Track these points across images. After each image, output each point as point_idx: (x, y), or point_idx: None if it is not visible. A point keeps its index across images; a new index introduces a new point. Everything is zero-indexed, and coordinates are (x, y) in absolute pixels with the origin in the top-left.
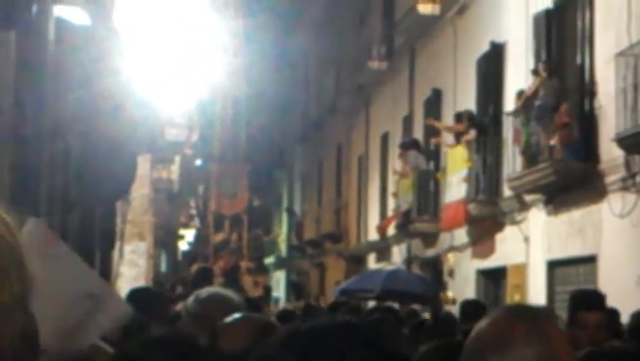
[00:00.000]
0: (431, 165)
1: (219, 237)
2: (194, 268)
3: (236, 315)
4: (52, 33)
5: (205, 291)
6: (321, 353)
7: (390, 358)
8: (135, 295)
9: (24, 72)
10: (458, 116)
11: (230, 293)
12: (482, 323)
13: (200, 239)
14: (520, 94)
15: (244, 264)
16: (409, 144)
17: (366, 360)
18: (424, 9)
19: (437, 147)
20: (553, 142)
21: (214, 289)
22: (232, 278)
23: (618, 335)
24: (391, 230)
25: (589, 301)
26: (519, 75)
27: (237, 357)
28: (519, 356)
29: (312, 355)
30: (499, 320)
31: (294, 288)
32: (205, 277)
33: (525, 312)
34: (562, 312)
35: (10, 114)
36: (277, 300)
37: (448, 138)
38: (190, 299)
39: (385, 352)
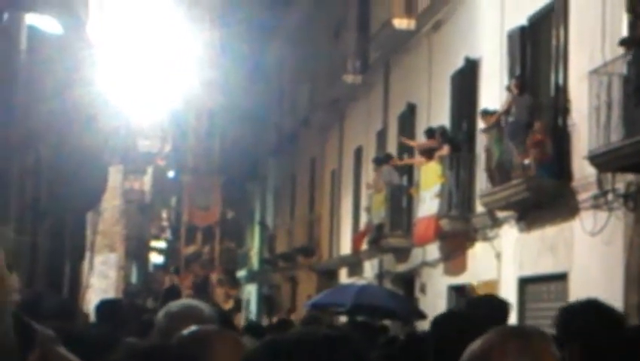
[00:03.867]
0: (405, 180)
1: (191, 249)
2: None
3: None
4: (24, 41)
5: (175, 305)
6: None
7: None
8: (105, 306)
9: None
10: (430, 132)
11: (200, 306)
12: (475, 342)
13: (172, 251)
14: (485, 113)
15: (215, 276)
16: (382, 160)
17: None
18: (399, 24)
19: (406, 163)
20: (527, 161)
21: (185, 302)
22: (202, 290)
23: None
24: (363, 245)
25: None
26: (493, 91)
27: None
28: None
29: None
30: (492, 338)
31: (266, 302)
32: (174, 296)
33: (518, 331)
34: None
35: None
36: (248, 316)
37: (419, 157)
38: (160, 314)
39: None
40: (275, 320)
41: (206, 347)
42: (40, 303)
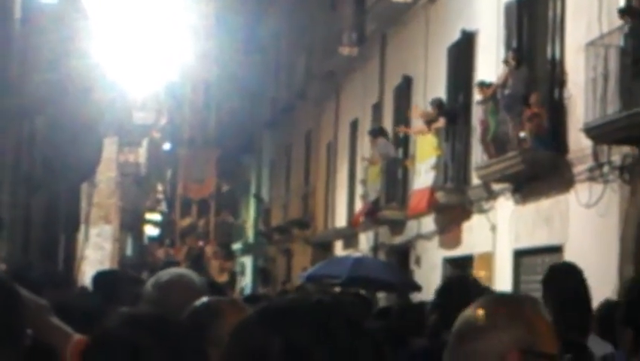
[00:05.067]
0: (400, 152)
1: (186, 221)
2: (160, 253)
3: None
4: (18, 11)
5: (164, 274)
6: (302, 328)
7: (368, 338)
8: (102, 277)
9: None
10: (434, 103)
11: (191, 276)
12: (468, 309)
13: (167, 224)
14: (482, 85)
15: (210, 249)
16: (378, 132)
17: (348, 337)
18: None
19: (406, 134)
20: (522, 134)
21: (175, 271)
22: (197, 263)
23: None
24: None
25: None
26: (489, 64)
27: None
28: (500, 337)
29: (294, 329)
30: (483, 305)
31: (261, 274)
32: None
33: (509, 298)
34: None
35: None
36: (243, 289)
37: (417, 125)
38: (149, 284)
39: (365, 332)
40: (269, 290)
41: (219, 317)
42: (30, 272)
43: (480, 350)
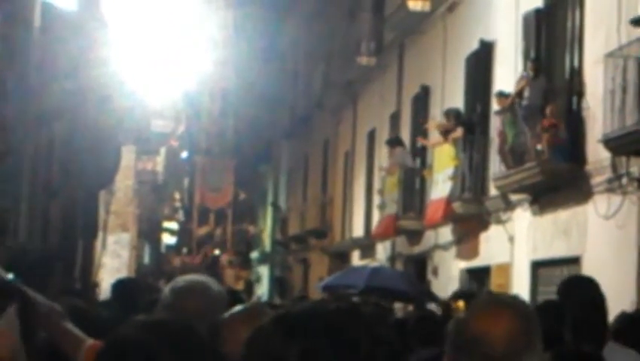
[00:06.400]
0: (418, 162)
1: (203, 230)
2: (177, 261)
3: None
4: (38, 19)
5: (181, 280)
6: (320, 335)
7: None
8: (121, 285)
9: (8, 57)
10: (448, 113)
11: (208, 282)
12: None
13: (184, 232)
14: (501, 95)
15: (225, 257)
16: (395, 142)
17: (366, 345)
18: (414, 5)
19: (424, 145)
20: (539, 146)
21: (191, 278)
22: (211, 271)
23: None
24: (376, 228)
25: None
26: (507, 74)
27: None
28: (475, 334)
29: (312, 337)
30: (475, 305)
31: (278, 283)
32: None
33: (497, 299)
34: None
35: None
36: (260, 298)
37: (434, 137)
38: (166, 289)
39: (383, 340)
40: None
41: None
42: (25, 255)
43: None
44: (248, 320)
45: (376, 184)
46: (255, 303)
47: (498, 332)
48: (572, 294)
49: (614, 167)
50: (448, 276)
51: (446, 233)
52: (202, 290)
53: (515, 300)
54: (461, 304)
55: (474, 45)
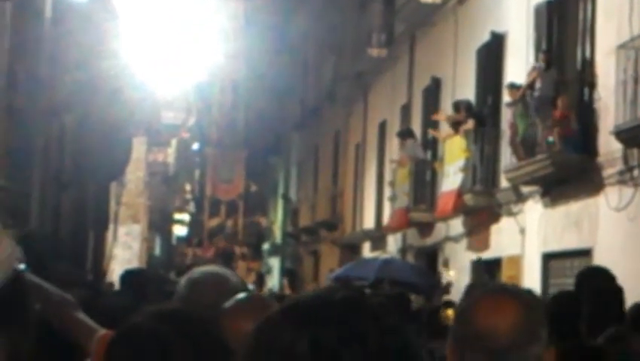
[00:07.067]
0: (429, 154)
1: (214, 222)
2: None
3: (241, 295)
4: (49, 10)
5: (197, 271)
6: (330, 326)
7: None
8: (130, 276)
9: (20, 49)
10: (457, 105)
11: (225, 273)
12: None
13: (195, 224)
14: (512, 87)
15: (238, 250)
16: (406, 133)
17: (377, 336)
18: None
19: (435, 136)
20: (551, 138)
21: (207, 269)
22: (225, 264)
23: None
24: (387, 219)
25: None
26: (519, 66)
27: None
28: (480, 325)
29: (322, 327)
30: (476, 295)
31: (289, 275)
32: None
33: (500, 288)
34: None
35: (3, 93)
36: (271, 290)
37: (445, 129)
38: (183, 281)
39: (396, 330)
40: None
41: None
42: (32, 242)
43: None
44: (250, 310)
45: (387, 176)
46: (256, 293)
47: (502, 326)
48: (588, 284)
49: (626, 159)
50: (459, 268)
51: (457, 225)
52: (219, 282)
53: (519, 290)
54: (450, 312)
55: (485, 37)
